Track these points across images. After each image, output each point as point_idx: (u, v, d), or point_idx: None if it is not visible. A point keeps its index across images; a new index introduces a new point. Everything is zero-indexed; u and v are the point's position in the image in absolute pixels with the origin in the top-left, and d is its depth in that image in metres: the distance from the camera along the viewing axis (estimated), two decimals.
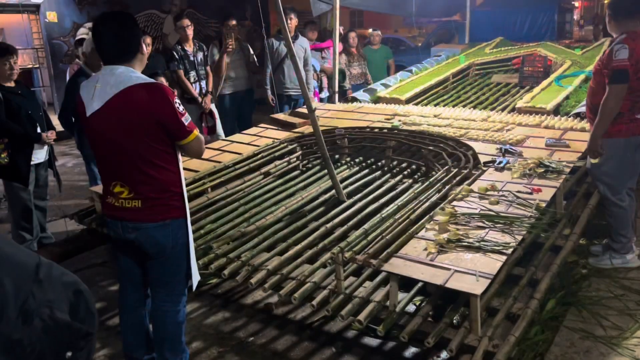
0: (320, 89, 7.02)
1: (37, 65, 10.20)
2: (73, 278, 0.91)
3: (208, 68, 5.58)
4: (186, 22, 5.30)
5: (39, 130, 3.89)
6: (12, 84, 3.79)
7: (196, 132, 2.24)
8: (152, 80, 2.19)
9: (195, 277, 2.39)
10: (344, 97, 6.66)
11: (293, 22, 5.94)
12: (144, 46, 2.29)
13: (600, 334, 2.64)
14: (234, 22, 5.66)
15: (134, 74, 2.17)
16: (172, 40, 11.62)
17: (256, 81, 6.51)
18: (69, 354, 0.86)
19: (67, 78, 6.38)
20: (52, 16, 10.26)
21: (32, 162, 3.90)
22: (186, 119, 2.19)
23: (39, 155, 3.99)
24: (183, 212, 2.29)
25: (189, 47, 5.38)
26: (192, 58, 5.39)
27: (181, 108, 2.18)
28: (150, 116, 2.12)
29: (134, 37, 2.22)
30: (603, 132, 3.22)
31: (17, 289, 0.79)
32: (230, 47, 5.48)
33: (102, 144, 2.24)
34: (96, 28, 2.20)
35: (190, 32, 5.31)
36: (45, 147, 4.01)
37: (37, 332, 0.81)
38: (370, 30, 8.04)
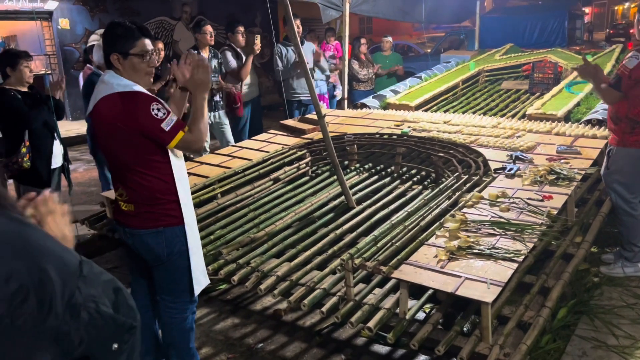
0: (334, 87, 7.25)
1: (49, 72, 10.31)
2: (110, 276, 0.96)
3: (220, 77, 5.60)
4: (210, 28, 5.38)
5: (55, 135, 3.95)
6: (26, 89, 3.84)
7: (181, 133, 2.13)
8: (133, 88, 2.13)
9: (202, 282, 2.36)
10: (353, 104, 6.68)
11: (299, 29, 5.98)
12: (125, 62, 2.15)
13: (612, 343, 2.61)
14: (242, 28, 5.73)
15: (117, 81, 2.14)
16: (182, 46, 11.73)
17: (264, 88, 6.56)
18: (115, 346, 0.90)
19: (81, 84, 6.44)
20: (64, 23, 10.40)
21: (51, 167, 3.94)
22: (167, 123, 2.10)
23: (56, 160, 4.03)
24: (179, 220, 2.23)
25: (205, 53, 5.42)
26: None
27: (160, 113, 2.10)
28: (127, 126, 2.08)
29: (107, 48, 2.16)
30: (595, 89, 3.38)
31: (64, 284, 0.82)
32: (258, 49, 5.52)
33: (99, 146, 2.32)
34: None
35: (212, 39, 5.39)
36: (61, 152, 4.05)
37: (84, 325, 0.85)
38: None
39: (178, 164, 2.26)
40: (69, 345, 0.83)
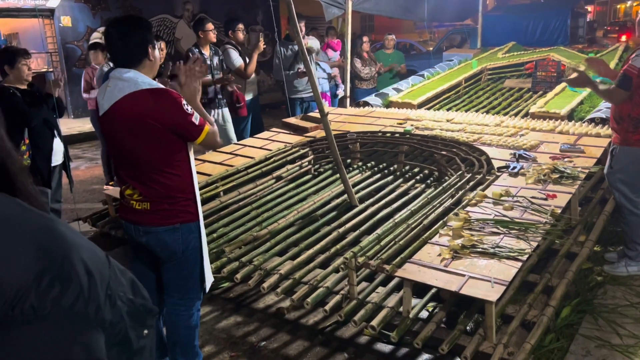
0: (336, 86, 7.24)
1: (51, 69, 10.31)
2: (124, 267, 0.98)
3: (221, 74, 5.59)
4: (212, 25, 5.38)
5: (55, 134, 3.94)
6: (25, 87, 3.83)
7: (207, 127, 2.21)
8: (158, 85, 2.17)
9: (209, 280, 2.39)
10: (356, 102, 6.68)
11: (302, 31, 5.97)
12: (154, 52, 2.23)
13: (616, 342, 2.60)
14: (242, 25, 5.72)
15: (141, 78, 2.15)
16: (184, 44, 11.73)
17: (266, 86, 6.55)
18: (146, 331, 0.94)
19: (82, 82, 6.45)
20: (66, 20, 10.40)
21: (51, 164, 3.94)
22: (196, 118, 2.16)
23: (57, 157, 4.03)
24: (194, 216, 2.27)
25: (206, 51, 5.42)
26: (208, 61, 5.42)
27: (190, 108, 2.16)
28: (156, 122, 2.09)
29: (140, 43, 2.17)
30: (597, 93, 3.40)
31: (101, 275, 0.85)
32: (264, 47, 5.52)
33: (112, 144, 2.27)
34: (106, 31, 2.20)
35: (214, 36, 5.38)
36: (62, 150, 4.05)
37: (120, 313, 0.88)
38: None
39: (193, 162, 2.29)
40: (110, 333, 0.86)
